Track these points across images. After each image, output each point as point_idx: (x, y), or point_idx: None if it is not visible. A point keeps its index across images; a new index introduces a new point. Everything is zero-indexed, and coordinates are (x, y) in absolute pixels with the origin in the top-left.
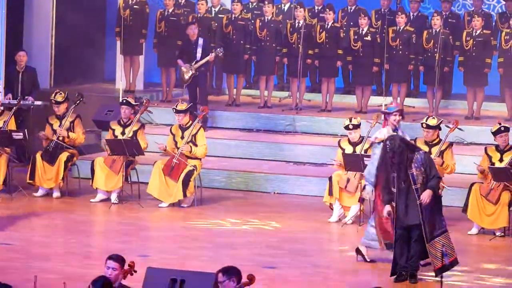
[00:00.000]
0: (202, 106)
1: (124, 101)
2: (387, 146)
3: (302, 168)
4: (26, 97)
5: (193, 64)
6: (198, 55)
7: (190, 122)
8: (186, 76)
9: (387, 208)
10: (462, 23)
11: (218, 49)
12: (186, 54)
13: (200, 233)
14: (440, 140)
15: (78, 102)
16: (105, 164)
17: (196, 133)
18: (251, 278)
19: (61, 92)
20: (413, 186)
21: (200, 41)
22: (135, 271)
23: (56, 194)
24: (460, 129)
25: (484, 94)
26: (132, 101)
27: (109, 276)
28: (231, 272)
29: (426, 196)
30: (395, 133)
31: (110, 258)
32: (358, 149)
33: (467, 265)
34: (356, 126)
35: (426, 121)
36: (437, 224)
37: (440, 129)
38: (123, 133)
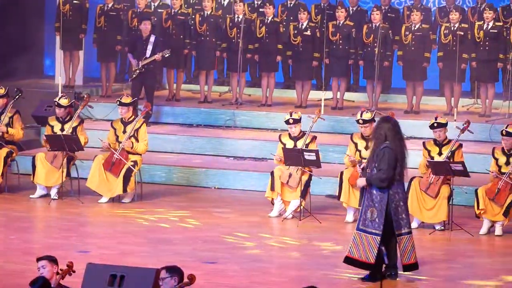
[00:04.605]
0: (145, 102)
1: (56, 103)
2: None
3: (242, 163)
4: None
5: (142, 60)
6: (148, 52)
7: (133, 117)
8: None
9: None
10: (401, 17)
11: (165, 50)
12: (136, 49)
13: (140, 228)
14: None
15: (17, 97)
16: (46, 160)
17: (139, 127)
18: (192, 278)
19: (1, 87)
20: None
21: (152, 38)
22: (74, 271)
23: None
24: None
25: (423, 88)
26: (66, 102)
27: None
28: (175, 271)
29: (359, 180)
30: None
31: (38, 259)
32: (299, 144)
33: None
34: (297, 121)
35: (361, 116)
36: (368, 221)
37: (375, 121)
38: (62, 130)
